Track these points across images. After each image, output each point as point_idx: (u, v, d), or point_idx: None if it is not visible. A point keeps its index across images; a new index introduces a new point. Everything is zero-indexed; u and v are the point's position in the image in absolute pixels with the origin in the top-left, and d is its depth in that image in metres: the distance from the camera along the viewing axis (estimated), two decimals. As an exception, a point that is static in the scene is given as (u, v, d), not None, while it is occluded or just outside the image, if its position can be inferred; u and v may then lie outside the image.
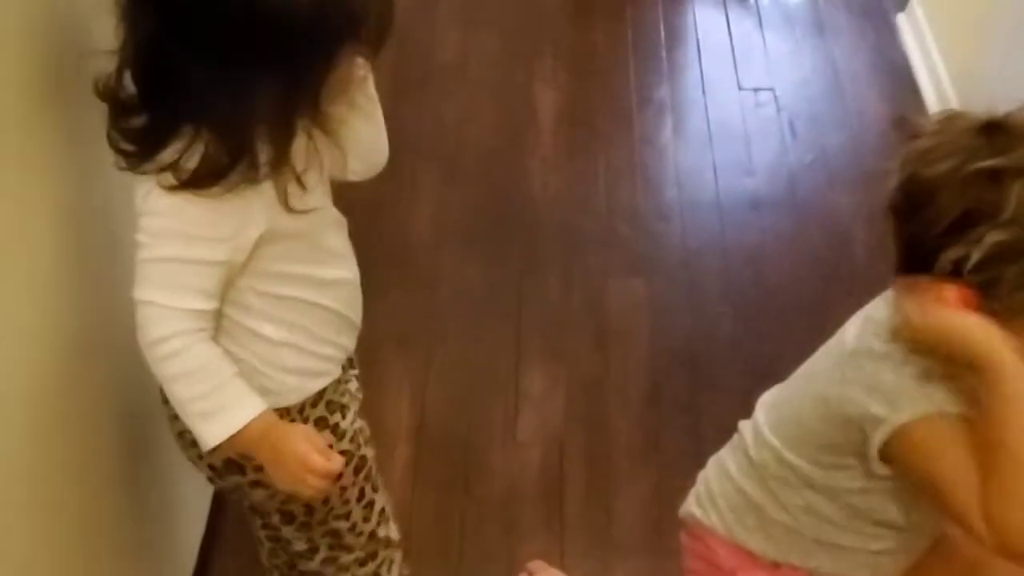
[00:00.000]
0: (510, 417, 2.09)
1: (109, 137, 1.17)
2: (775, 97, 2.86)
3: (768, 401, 1.53)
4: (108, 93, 1.16)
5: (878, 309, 1.37)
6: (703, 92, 2.88)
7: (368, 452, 1.47)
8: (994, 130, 1.25)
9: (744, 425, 1.55)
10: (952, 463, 1.29)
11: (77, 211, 1.32)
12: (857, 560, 1.49)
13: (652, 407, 2.11)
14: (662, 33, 3.05)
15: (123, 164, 1.17)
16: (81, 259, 1.34)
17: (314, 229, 1.31)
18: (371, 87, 1.34)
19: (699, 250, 2.46)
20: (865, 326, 1.38)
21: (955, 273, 1.22)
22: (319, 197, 1.29)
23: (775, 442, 1.46)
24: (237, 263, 1.23)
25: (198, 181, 1.14)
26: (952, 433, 1.29)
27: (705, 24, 3.08)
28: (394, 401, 2.10)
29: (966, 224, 1.23)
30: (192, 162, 1.14)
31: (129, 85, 1.17)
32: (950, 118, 1.31)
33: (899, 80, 2.86)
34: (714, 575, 1.56)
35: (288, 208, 1.20)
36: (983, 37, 2.57)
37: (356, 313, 1.45)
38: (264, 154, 1.16)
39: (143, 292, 1.20)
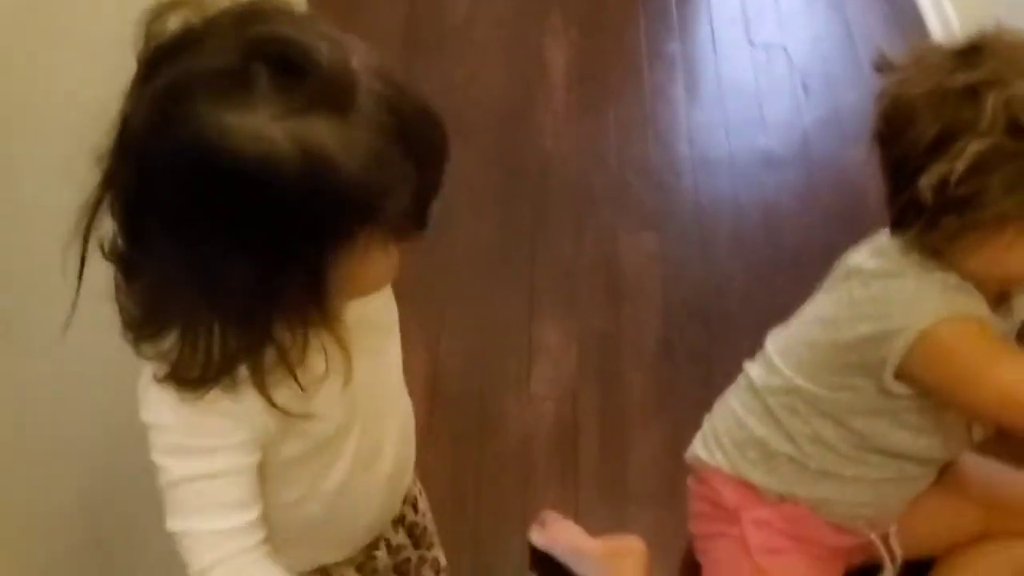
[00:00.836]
0: (524, 370, 2.09)
1: (118, 301, 0.98)
2: (787, 54, 2.84)
3: (777, 332, 1.55)
4: (113, 253, 0.97)
5: (882, 235, 1.40)
6: (714, 49, 2.87)
7: None
8: (967, 52, 1.28)
9: (748, 364, 1.58)
10: (984, 354, 1.33)
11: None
12: (861, 491, 1.51)
13: (665, 360, 2.11)
14: (672, -11, 3.04)
15: (128, 335, 0.98)
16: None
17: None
18: None
19: (711, 205, 2.45)
20: (871, 250, 1.41)
21: (942, 186, 1.25)
22: (332, 404, 1.05)
23: (785, 369, 1.49)
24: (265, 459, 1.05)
25: (181, 382, 0.96)
26: (978, 331, 1.33)
27: (715, -21, 3.07)
28: (408, 355, 2.07)
29: (946, 140, 1.26)
30: (174, 357, 0.96)
31: None
32: (926, 49, 1.36)
33: (912, 35, 2.83)
34: (719, 515, 1.59)
35: (277, 409, 0.99)
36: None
37: (362, 522, 1.24)
38: (240, 358, 0.95)
39: (175, 522, 1.03)
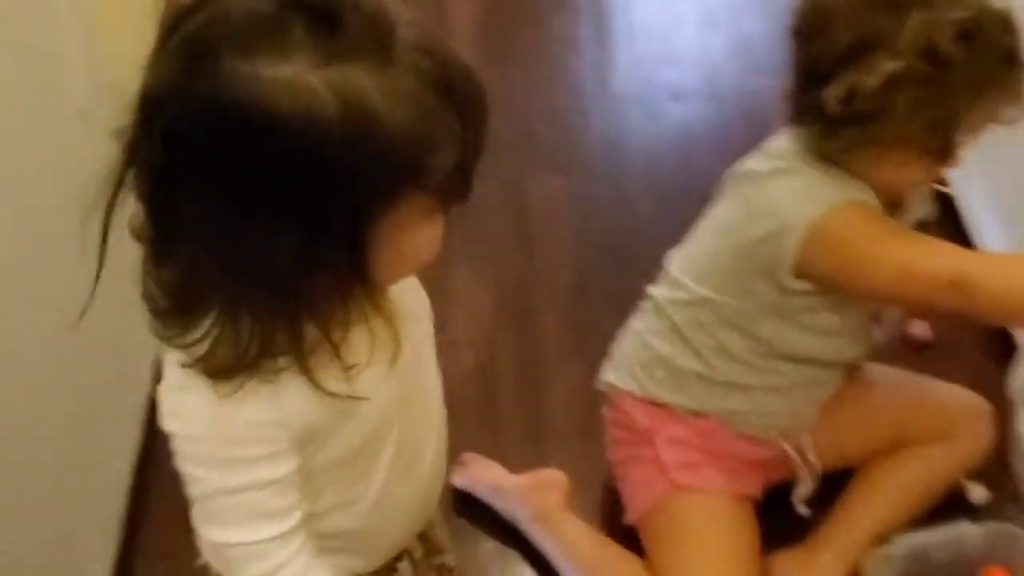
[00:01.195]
0: (440, 318, 2.07)
1: (145, 289, 0.91)
2: (692, -13, 2.84)
3: (676, 251, 1.56)
4: (141, 234, 0.88)
5: (774, 140, 1.43)
6: (618, -13, 2.87)
7: None
8: None
9: (652, 287, 1.59)
10: (876, 235, 1.35)
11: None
12: (770, 401, 1.54)
13: (580, 300, 2.12)
14: (572, -70, 3.02)
15: (157, 326, 0.91)
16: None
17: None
18: None
19: (621, 144, 2.46)
20: (764, 154, 1.44)
21: (849, 98, 1.27)
22: (378, 386, 0.97)
23: (687, 282, 1.51)
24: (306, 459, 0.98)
25: (216, 371, 0.89)
26: (869, 215, 1.35)
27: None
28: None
29: (861, 51, 1.27)
30: (207, 346, 0.89)
31: None
32: None
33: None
34: (634, 439, 1.61)
35: (322, 391, 0.91)
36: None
37: (395, 535, 1.16)
38: (281, 340, 0.88)
39: (215, 532, 0.98)
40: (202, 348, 0.88)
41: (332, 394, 0.91)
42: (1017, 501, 1.73)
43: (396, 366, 0.97)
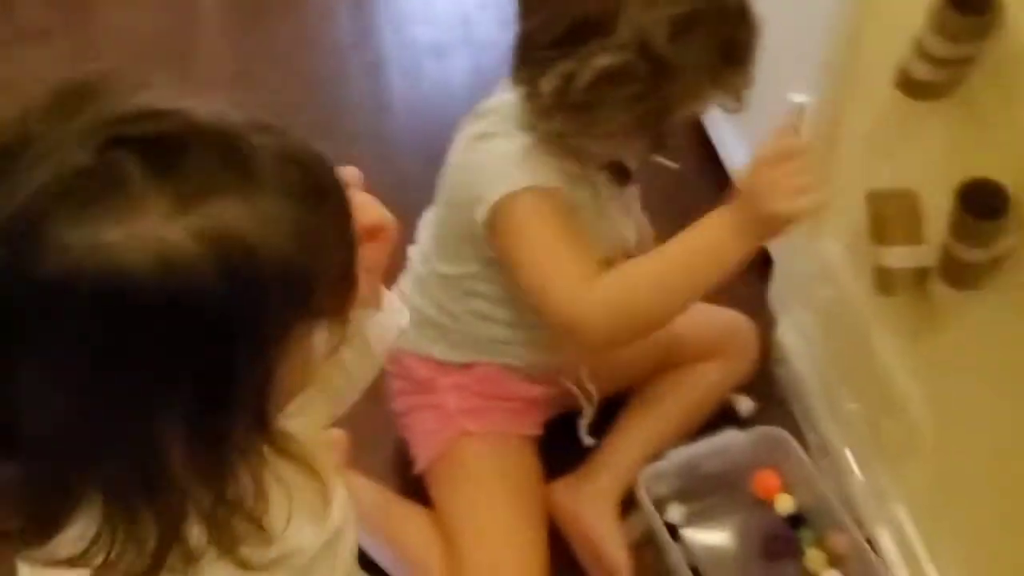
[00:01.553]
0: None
1: None
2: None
3: (423, 217, 1.56)
4: None
5: (493, 97, 1.41)
6: (360, -49, 2.85)
7: None
8: None
9: (410, 248, 1.58)
10: (535, 235, 1.32)
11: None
12: (538, 351, 1.56)
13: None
14: None
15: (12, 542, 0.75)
16: None
17: None
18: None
19: (385, 105, 2.46)
20: (476, 114, 1.42)
21: (563, 88, 1.24)
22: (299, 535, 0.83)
23: (428, 252, 1.52)
24: None
25: None
26: (544, 206, 1.31)
27: None
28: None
29: (578, 37, 1.22)
30: (100, 554, 0.72)
31: None
32: None
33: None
34: (415, 389, 1.61)
35: (243, 566, 0.77)
36: None
37: None
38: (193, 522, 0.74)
39: None
40: (94, 560, 0.72)
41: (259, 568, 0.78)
42: (781, 406, 1.80)
43: (330, 508, 0.87)
